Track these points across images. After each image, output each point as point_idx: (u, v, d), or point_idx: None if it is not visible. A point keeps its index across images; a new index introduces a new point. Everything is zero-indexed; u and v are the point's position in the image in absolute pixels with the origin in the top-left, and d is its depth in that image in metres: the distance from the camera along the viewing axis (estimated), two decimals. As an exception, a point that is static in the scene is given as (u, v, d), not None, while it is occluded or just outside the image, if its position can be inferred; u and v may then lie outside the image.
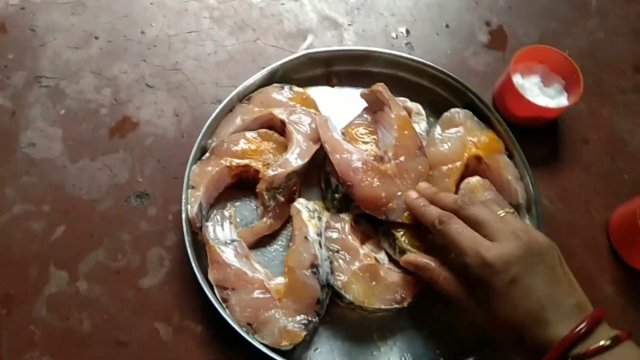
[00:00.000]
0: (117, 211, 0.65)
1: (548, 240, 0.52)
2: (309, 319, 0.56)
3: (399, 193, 0.61)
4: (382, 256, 0.62)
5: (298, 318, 0.56)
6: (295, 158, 0.63)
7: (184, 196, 0.61)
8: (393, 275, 0.60)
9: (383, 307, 0.58)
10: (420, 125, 0.69)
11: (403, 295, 0.58)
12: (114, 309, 0.60)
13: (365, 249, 0.62)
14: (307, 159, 0.63)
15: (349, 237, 0.61)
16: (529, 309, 0.46)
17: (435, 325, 0.62)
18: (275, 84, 0.69)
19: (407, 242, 0.60)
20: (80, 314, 0.60)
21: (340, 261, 0.60)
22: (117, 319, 0.60)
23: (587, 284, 0.65)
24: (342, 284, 0.58)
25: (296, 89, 0.69)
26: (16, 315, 0.59)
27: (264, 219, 0.63)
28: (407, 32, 0.81)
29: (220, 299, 0.57)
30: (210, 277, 0.58)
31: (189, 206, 0.61)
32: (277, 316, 0.56)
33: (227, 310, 0.57)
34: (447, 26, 0.82)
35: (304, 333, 0.56)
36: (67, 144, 0.68)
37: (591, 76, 0.79)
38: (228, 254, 0.59)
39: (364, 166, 0.61)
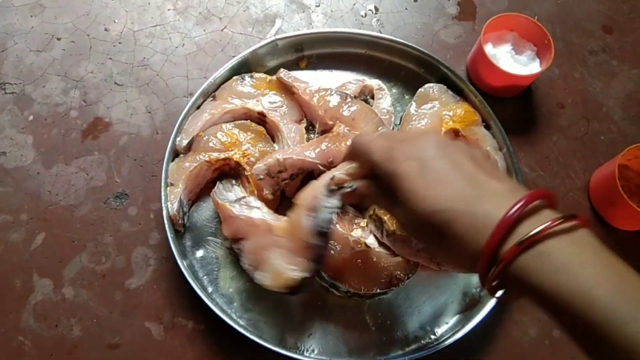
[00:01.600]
0: (97, 214, 0.64)
1: None
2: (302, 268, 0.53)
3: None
4: (371, 240, 0.62)
5: (292, 264, 0.53)
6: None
7: (163, 194, 0.60)
8: (385, 258, 0.60)
9: (380, 290, 0.58)
10: (385, 100, 0.69)
11: (398, 276, 0.58)
12: (102, 313, 0.60)
13: (354, 236, 0.61)
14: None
15: (337, 226, 0.61)
16: (454, 189, 0.37)
17: (425, 301, 0.62)
18: (234, 77, 0.68)
19: (394, 223, 0.60)
20: (69, 320, 0.59)
21: (331, 251, 0.60)
22: (107, 322, 0.60)
23: (571, 247, 0.67)
24: (336, 274, 0.58)
25: (257, 75, 0.68)
26: (3, 327, 0.59)
27: None
28: (376, 9, 0.80)
29: (236, 252, 0.58)
30: (225, 232, 0.59)
31: (168, 204, 0.60)
32: (274, 257, 0.54)
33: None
34: (415, 0, 0.81)
35: (297, 279, 0.52)
36: (39, 150, 0.67)
37: (561, 40, 0.80)
38: (238, 208, 0.59)
39: (325, 143, 0.61)
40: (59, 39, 0.73)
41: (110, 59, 0.73)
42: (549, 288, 0.33)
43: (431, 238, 0.40)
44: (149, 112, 0.70)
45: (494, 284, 0.37)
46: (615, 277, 0.33)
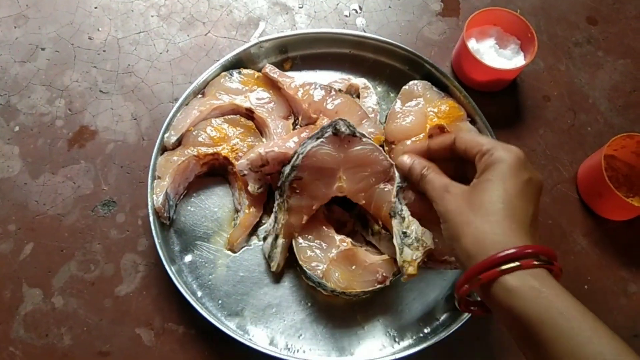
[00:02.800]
0: (85, 222, 0.64)
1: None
2: None
3: None
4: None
5: None
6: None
7: (149, 189, 0.61)
8: (371, 256, 0.60)
9: (366, 289, 0.58)
10: (371, 98, 0.69)
11: (384, 274, 0.58)
12: (92, 320, 0.60)
13: (340, 235, 0.61)
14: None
15: (323, 226, 0.61)
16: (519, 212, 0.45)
17: (415, 298, 0.62)
18: (223, 73, 0.68)
19: (379, 223, 0.60)
20: (59, 329, 0.59)
21: (317, 250, 0.60)
22: (97, 330, 0.60)
23: (561, 239, 0.67)
24: (322, 273, 0.58)
25: (245, 71, 0.69)
26: (-6, 339, 0.59)
27: (247, 210, 0.63)
28: (360, 8, 0.80)
29: None
30: None
31: (154, 196, 0.60)
32: None
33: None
34: (398, -2, 0.81)
35: None
36: (25, 160, 0.67)
37: (545, 33, 0.80)
38: None
39: (306, 134, 0.61)
40: (43, 49, 0.74)
41: (94, 67, 0.73)
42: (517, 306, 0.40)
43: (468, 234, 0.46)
44: (135, 119, 0.70)
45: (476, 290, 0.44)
46: (571, 309, 0.39)
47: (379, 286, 0.58)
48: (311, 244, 0.60)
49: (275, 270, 0.61)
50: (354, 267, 0.59)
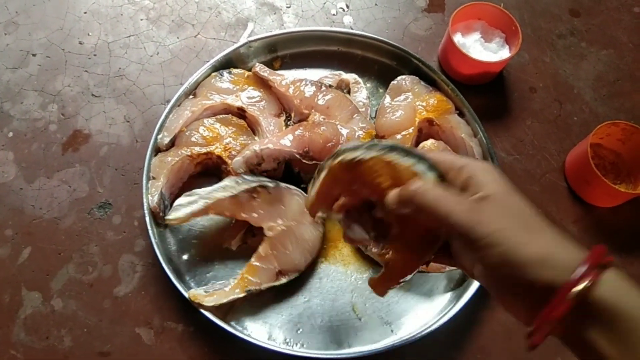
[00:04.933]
0: (82, 225, 0.65)
1: None
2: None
3: (338, 124, 0.63)
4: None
5: None
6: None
7: (144, 190, 0.61)
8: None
9: None
10: (362, 92, 0.70)
11: None
12: (92, 321, 0.60)
13: None
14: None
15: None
16: (546, 238, 0.37)
17: (410, 288, 0.63)
18: (213, 73, 0.69)
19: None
20: (59, 331, 0.60)
21: None
22: (97, 331, 0.60)
23: (550, 227, 0.68)
24: None
25: (235, 71, 0.70)
26: (-6, 343, 0.59)
27: None
28: (347, 6, 0.81)
29: None
30: None
31: (149, 196, 0.61)
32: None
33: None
34: (384, -4, 0.83)
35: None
36: (20, 166, 0.67)
37: (529, 26, 0.81)
38: None
39: (300, 131, 0.62)
40: (34, 55, 0.74)
41: (86, 71, 0.73)
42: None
43: (508, 285, 0.38)
44: (128, 122, 0.71)
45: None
46: None
47: None
48: None
49: None
50: None
